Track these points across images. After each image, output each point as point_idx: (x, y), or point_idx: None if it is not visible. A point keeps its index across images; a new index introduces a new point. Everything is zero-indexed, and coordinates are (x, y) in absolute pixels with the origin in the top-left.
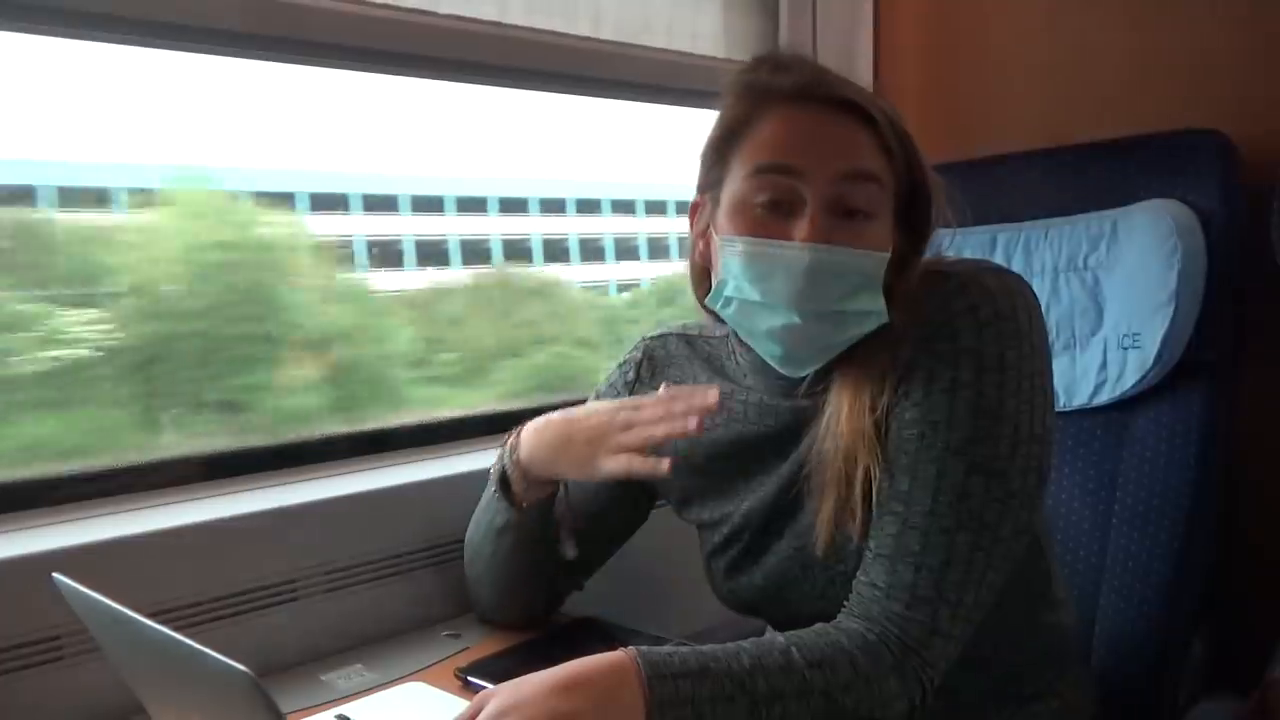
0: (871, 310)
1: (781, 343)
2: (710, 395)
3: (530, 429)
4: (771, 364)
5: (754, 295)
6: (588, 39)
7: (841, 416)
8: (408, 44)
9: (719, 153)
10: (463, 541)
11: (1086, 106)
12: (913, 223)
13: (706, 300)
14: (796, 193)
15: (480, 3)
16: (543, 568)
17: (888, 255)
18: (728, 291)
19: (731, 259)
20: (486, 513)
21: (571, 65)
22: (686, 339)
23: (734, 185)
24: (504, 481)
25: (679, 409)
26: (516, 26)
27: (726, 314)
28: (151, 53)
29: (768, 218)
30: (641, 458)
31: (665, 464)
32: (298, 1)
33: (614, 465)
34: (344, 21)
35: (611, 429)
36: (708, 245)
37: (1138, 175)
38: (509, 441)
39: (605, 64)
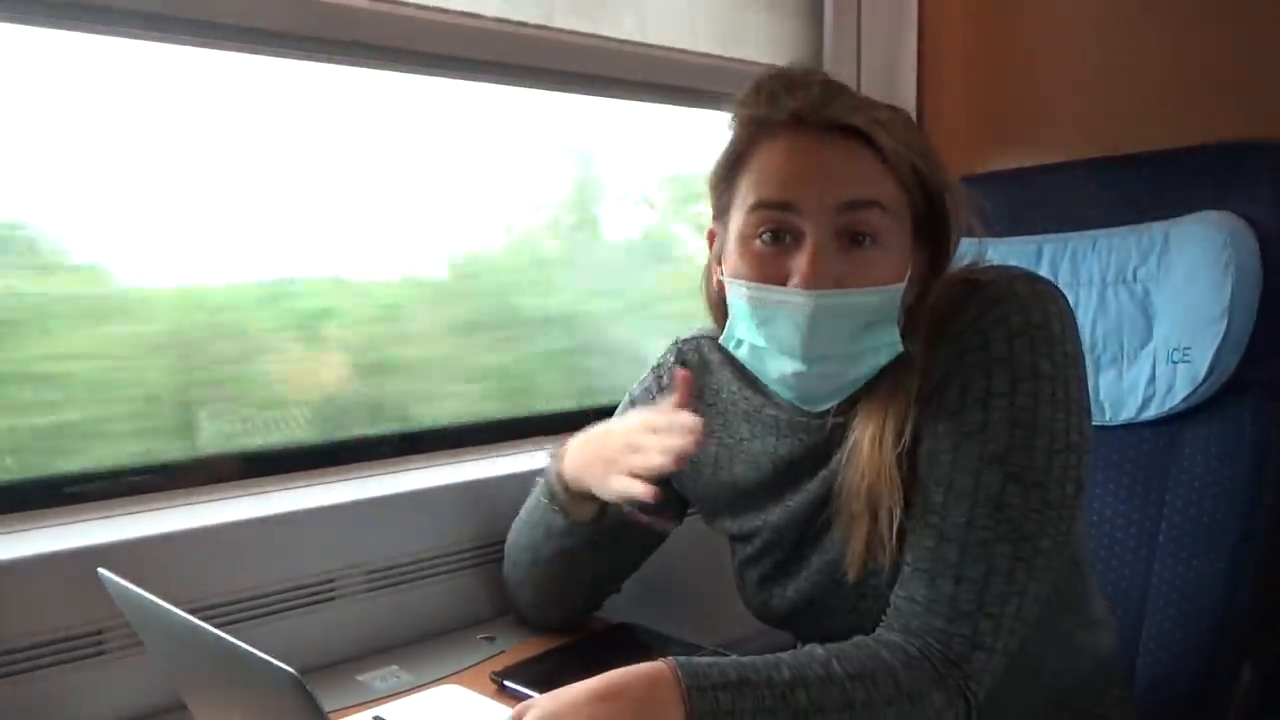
0: (884, 343)
1: (792, 388)
2: (690, 421)
3: (573, 443)
4: (788, 403)
5: (760, 341)
6: (632, 43)
7: (864, 450)
8: (453, 46)
9: (725, 181)
10: (501, 544)
11: (1137, 115)
12: (934, 236)
13: (721, 339)
14: (796, 226)
15: (525, 5)
16: (583, 577)
17: (900, 287)
18: (738, 334)
19: (737, 301)
20: (533, 519)
21: (616, 69)
22: (720, 343)
23: (737, 219)
24: (552, 492)
25: (676, 435)
26: (560, 30)
27: (739, 354)
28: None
29: (770, 252)
30: (642, 484)
31: (651, 490)
32: (341, 2)
33: (618, 486)
34: (388, 22)
35: (625, 450)
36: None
37: (1189, 186)
38: (559, 452)
39: (651, 68)
